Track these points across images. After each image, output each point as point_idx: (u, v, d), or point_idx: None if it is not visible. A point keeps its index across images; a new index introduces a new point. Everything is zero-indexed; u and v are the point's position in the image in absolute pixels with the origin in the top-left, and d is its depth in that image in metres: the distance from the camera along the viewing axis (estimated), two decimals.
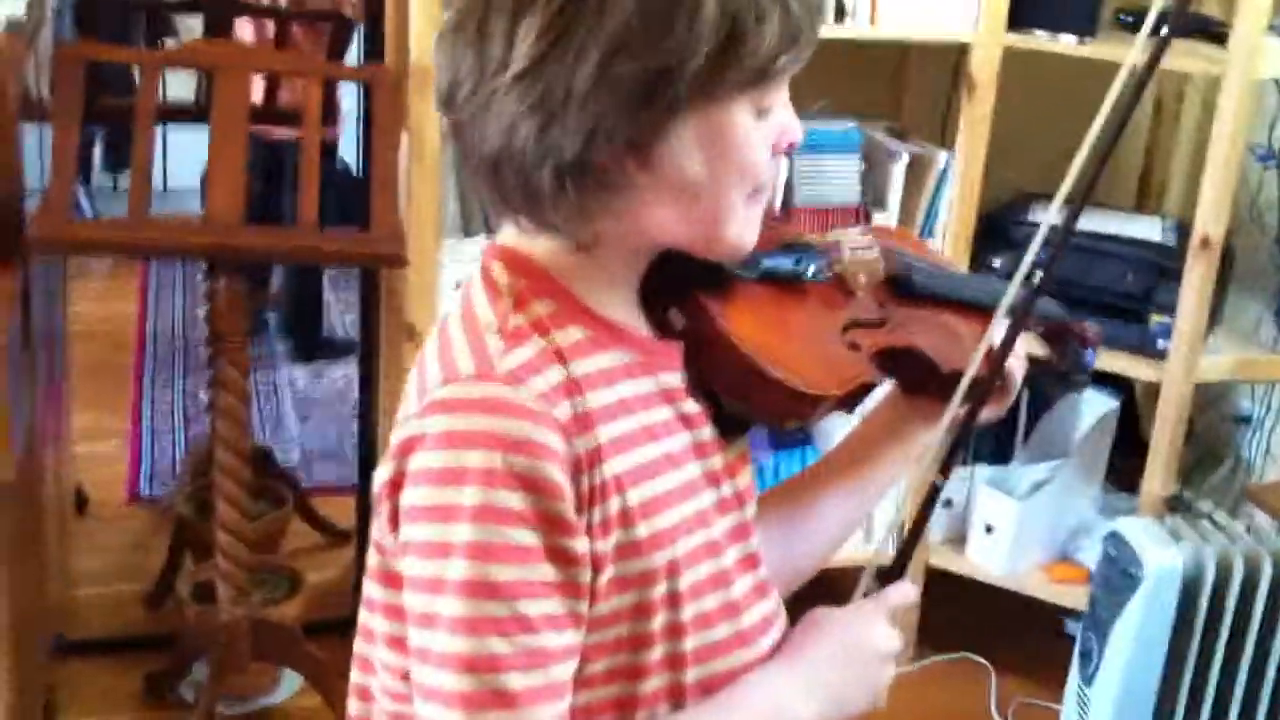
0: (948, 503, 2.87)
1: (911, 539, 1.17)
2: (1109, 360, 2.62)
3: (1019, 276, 1.18)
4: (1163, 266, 2.58)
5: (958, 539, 2.86)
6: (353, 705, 1.05)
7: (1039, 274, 1.20)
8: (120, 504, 3.27)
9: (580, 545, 0.91)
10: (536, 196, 0.95)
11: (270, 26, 3.77)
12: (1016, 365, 1.20)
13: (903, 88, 2.89)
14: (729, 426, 1.06)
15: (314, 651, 2.42)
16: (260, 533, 2.79)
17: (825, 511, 1.21)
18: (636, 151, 0.94)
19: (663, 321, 1.04)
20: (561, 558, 0.90)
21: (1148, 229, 2.71)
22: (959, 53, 2.55)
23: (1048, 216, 1.21)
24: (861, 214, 2.58)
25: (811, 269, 1.11)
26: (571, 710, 0.93)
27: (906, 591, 1.12)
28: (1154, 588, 2.15)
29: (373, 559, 0.99)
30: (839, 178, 2.55)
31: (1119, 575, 2.19)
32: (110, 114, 2.78)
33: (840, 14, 2.41)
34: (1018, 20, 2.49)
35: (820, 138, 2.54)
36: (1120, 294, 2.59)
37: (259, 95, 2.75)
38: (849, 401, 1.10)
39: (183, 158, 4.36)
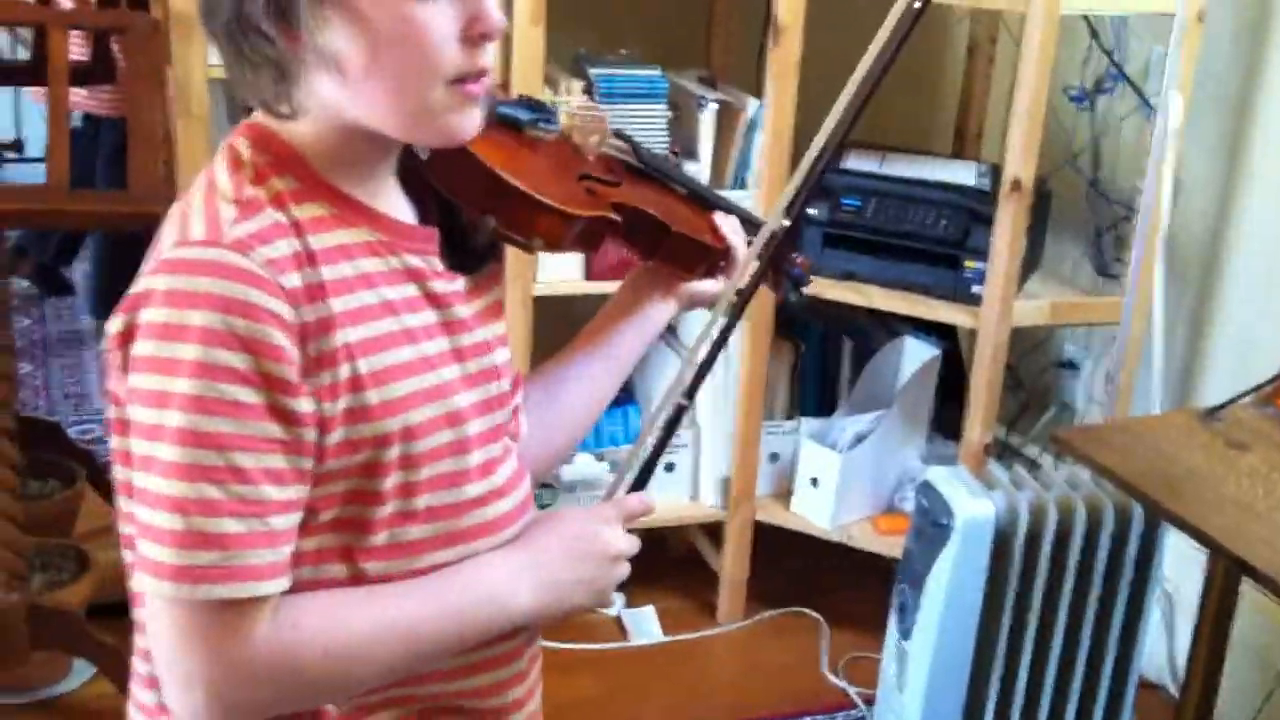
0: (774, 456, 2.82)
1: (656, 452, 1.24)
2: (926, 308, 2.59)
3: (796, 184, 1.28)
4: (976, 211, 2.54)
5: (784, 493, 2.82)
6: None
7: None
8: None
9: (304, 405, 0.96)
10: (221, 55, 1.00)
11: None
12: (739, 243, 1.32)
13: (713, 35, 2.80)
14: (477, 258, 1.12)
15: (99, 635, 2.28)
16: (47, 512, 2.64)
17: (575, 383, 1.30)
18: (278, 15, 0.96)
19: (410, 157, 1.08)
20: (283, 416, 0.95)
21: (962, 174, 2.68)
22: None
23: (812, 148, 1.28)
24: (671, 161, 2.49)
25: (548, 123, 1.19)
26: (300, 555, 0.99)
27: (644, 499, 1.18)
28: (965, 538, 2.11)
29: (110, 410, 1.03)
30: (645, 125, 2.46)
31: (931, 526, 2.15)
32: None
33: None
34: None
35: (625, 83, 2.46)
36: (934, 240, 2.55)
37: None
38: (590, 239, 1.20)
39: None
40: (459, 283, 1.10)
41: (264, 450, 0.95)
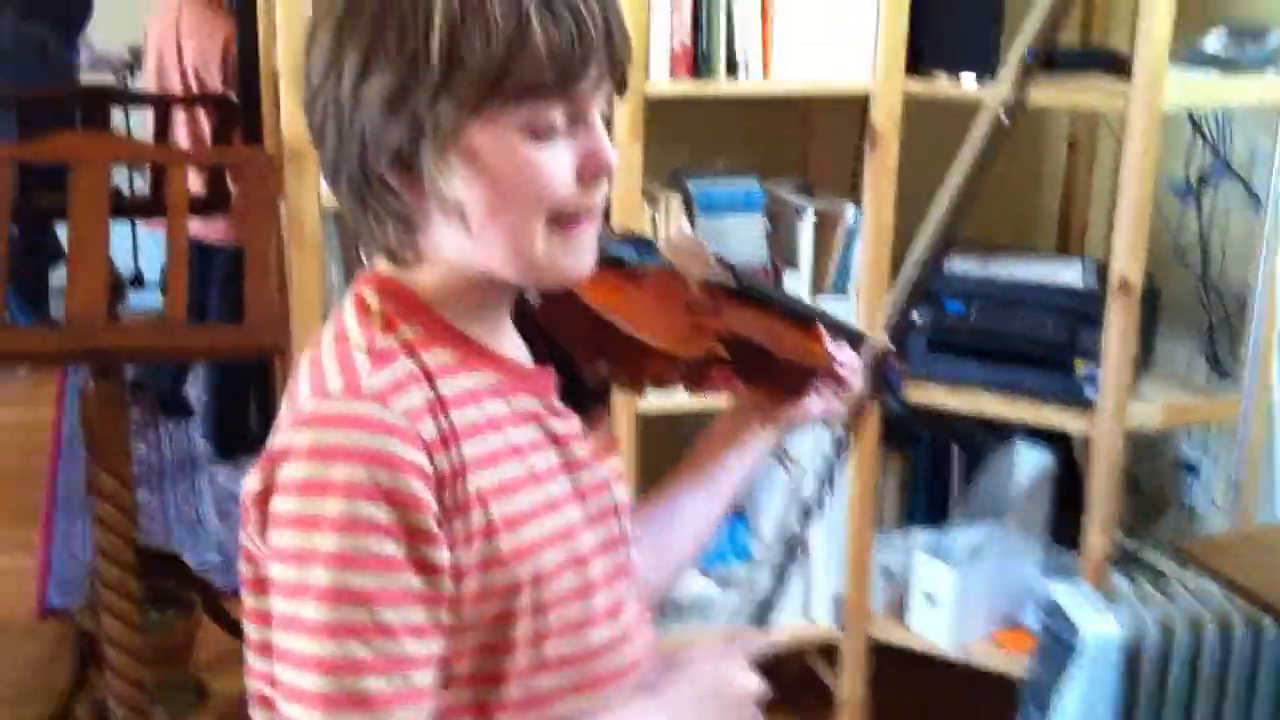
0: (887, 571, 2.76)
1: (774, 591, 1.27)
2: (1038, 413, 2.53)
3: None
4: (1084, 312, 2.49)
5: (898, 607, 2.75)
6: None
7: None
8: (28, 620, 3.13)
9: (442, 556, 0.95)
10: (344, 206, 1.02)
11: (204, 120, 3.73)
12: (847, 359, 1.31)
13: (809, 142, 2.81)
14: (589, 399, 1.12)
15: None
16: (165, 643, 2.67)
17: (681, 515, 1.28)
18: (403, 167, 0.98)
19: (521, 303, 1.09)
20: (425, 568, 0.94)
21: (1068, 273, 2.63)
22: (864, 103, 2.48)
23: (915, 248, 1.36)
24: (769, 274, 2.49)
25: (651, 257, 1.21)
26: (435, 713, 0.97)
27: (769, 637, 1.19)
28: (1093, 657, 2.04)
29: (244, 568, 1.02)
30: (743, 237, 2.47)
31: (1056, 645, 2.09)
32: (44, 212, 2.65)
33: (732, 68, 2.33)
34: (916, 65, 2.43)
35: (721, 197, 2.47)
36: (1042, 343, 2.51)
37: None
38: (695, 377, 1.20)
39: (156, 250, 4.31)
40: (575, 422, 1.09)
41: (406, 604, 0.94)
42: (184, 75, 3.90)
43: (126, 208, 2.40)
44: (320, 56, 0.98)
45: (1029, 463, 2.73)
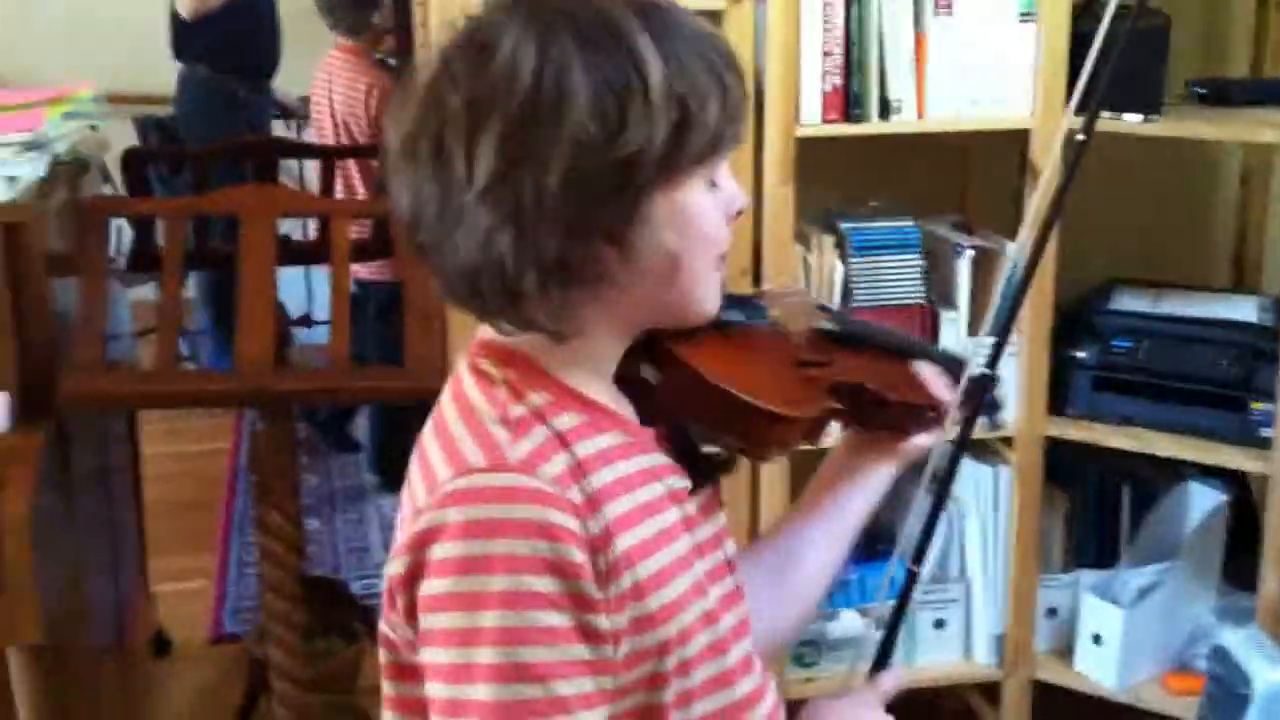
0: (1051, 611, 2.69)
1: (892, 627, 1.24)
2: (1211, 453, 2.44)
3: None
4: (1260, 349, 2.40)
5: (1064, 650, 2.67)
6: None
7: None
8: (204, 643, 3.25)
9: (603, 621, 0.95)
10: (520, 300, 0.98)
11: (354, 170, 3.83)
12: (947, 394, 1.30)
13: (967, 179, 2.77)
14: (704, 474, 1.12)
15: None
16: (329, 670, 2.74)
17: (802, 556, 1.26)
18: (614, 241, 0.98)
19: (637, 379, 1.09)
20: (590, 635, 0.94)
21: (1242, 309, 2.54)
22: (1023, 139, 2.43)
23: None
24: (926, 313, 2.45)
25: (758, 318, 1.23)
26: None
27: (898, 675, 1.19)
28: (1266, 707, 1.95)
29: (383, 655, 1.03)
30: (899, 277, 2.43)
31: (1226, 695, 2.00)
32: (213, 260, 2.75)
33: (885, 109, 2.31)
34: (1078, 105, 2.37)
35: (877, 236, 2.44)
36: (1216, 381, 2.42)
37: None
38: (814, 431, 1.20)
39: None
40: (686, 480, 1.09)
41: (577, 674, 0.93)
42: (335, 125, 4.04)
43: (295, 254, 2.48)
44: (488, 159, 0.94)
45: (1202, 502, 2.64)
